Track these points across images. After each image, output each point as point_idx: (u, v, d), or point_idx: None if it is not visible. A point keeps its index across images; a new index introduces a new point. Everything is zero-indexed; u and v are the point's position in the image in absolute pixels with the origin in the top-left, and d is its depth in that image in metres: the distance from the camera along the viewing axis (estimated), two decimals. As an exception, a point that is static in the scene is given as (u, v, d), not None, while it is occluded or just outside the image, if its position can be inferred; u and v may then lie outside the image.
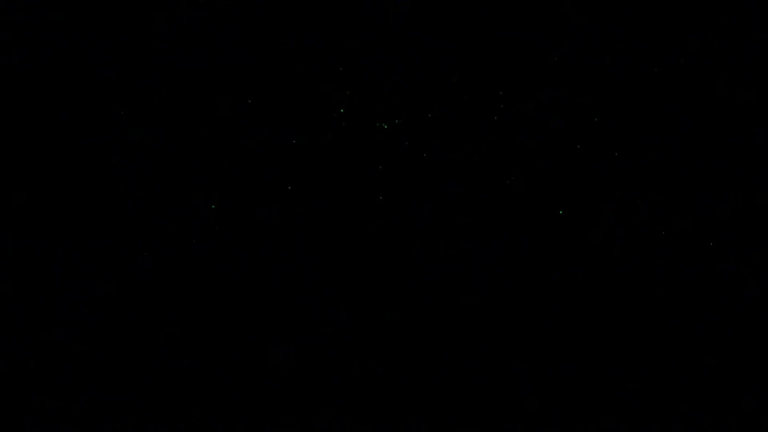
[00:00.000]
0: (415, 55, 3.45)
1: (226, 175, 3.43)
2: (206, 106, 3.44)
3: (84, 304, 3.36)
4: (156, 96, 3.44)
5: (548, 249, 3.40)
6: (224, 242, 3.41)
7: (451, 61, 3.45)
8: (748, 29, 3.40)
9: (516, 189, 3.42)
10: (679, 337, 3.34)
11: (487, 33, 3.44)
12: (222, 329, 3.37)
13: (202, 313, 3.38)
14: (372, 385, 3.32)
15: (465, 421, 3.28)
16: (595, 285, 3.38)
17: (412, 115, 3.44)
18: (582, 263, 3.39)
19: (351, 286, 3.40)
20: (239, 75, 3.45)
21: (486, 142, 3.42)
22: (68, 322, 3.34)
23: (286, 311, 3.39)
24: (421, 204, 3.42)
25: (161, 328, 3.36)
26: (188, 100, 3.44)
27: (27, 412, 3.26)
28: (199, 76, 3.44)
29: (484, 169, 3.43)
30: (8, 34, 3.40)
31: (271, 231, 3.42)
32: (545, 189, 3.42)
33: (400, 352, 3.35)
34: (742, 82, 3.40)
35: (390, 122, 3.43)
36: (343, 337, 3.36)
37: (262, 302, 3.39)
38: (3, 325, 3.33)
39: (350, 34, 3.45)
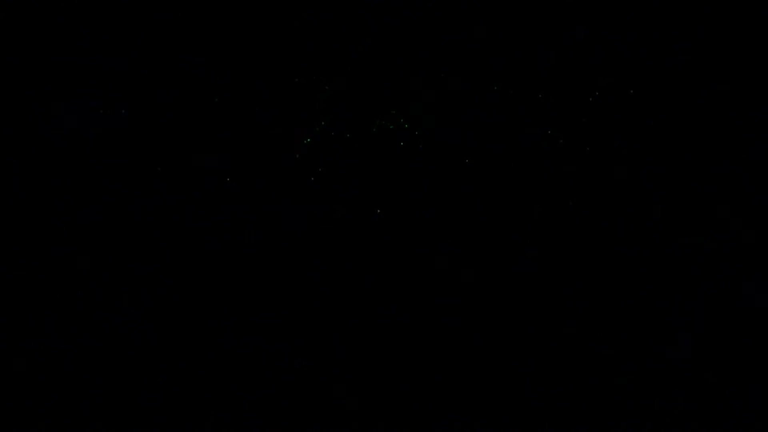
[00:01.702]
0: (418, 55, 3.45)
1: (228, 174, 3.42)
2: (205, 106, 3.44)
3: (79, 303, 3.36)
4: (156, 94, 3.43)
5: (549, 249, 3.41)
6: (225, 243, 3.41)
7: (455, 60, 3.45)
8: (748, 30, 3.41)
9: (519, 189, 3.43)
10: (677, 337, 3.35)
11: (490, 32, 3.45)
12: (220, 331, 3.37)
13: (200, 315, 3.38)
14: (371, 386, 3.32)
15: (465, 422, 3.29)
16: (594, 285, 3.39)
17: (416, 114, 3.44)
18: (582, 263, 3.40)
19: (352, 286, 3.40)
20: (241, 74, 3.45)
21: (490, 141, 3.43)
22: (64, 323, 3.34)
23: (285, 312, 3.39)
24: (422, 203, 3.43)
25: (157, 329, 3.36)
26: (188, 100, 3.43)
27: (27, 412, 3.26)
28: (198, 76, 3.44)
29: (485, 169, 3.43)
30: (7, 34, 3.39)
31: (273, 231, 3.42)
32: (547, 189, 3.43)
33: (399, 353, 3.36)
34: (743, 82, 3.42)
35: (394, 122, 3.43)
36: (343, 338, 3.37)
37: (262, 303, 3.39)
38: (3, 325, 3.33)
39: (352, 31, 3.45)
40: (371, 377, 3.33)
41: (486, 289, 3.40)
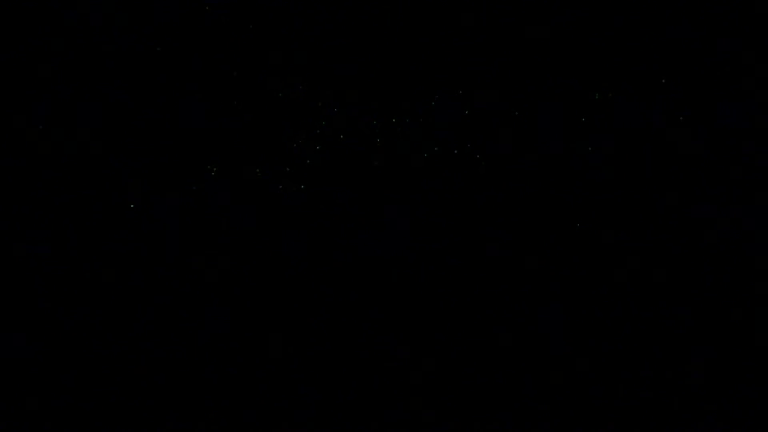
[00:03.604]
0: (413, 55, 3.45)
1: (223, 176, 3.43)
2: (204, 107, 3.44)
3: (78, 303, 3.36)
4: (154, 96, 3.43)
5: (547, 249, 3.41)
6: (221, 245, 3.41)
7: (450, 61, 3.45)
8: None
9: (516, 189, 3.42)
10: (677, 337, 3.35)
11: (487, 33, 3.44)
12: (219, 332, 3.37)
13: (200, 317, 3.38)
14: (370, 385, 3.32)
15: (463, 422, 3.28)
16: (593, 285, 3.39)
17: (407, 114, 3.44)
18: (581, 263, 3.40)
19: (349, 287, 3.40)
20: (236, 74, 3.45)
21: (487, 141, 3.42)
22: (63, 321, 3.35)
23: (284, 312, 3.39)
24: (417, 204, 3.42)
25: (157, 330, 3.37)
26: (184, 101, 3.43)
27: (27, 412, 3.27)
28: (194, 77, 3.44)
29: (483, 169, 3.43)
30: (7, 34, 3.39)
31: (269, 232, 3.42)
32: (546, 189, 3.42)
33: (396, 352, 3.36)
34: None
35: (383, 121, 3.43)
36: (340, 337, 3.36)
37: (261, 304, 3.39)
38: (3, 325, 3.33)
39: (347, 32, 3.45)
40: (369, 378, 3.33)
41: (486, 288, 3.39)
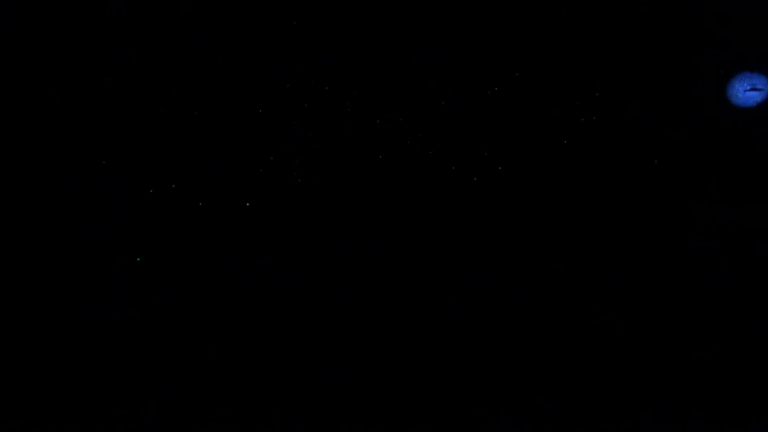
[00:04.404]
0: (416, 55, 3.46)
1: (231, 174, 3.43)
2: (208, 106, 3.45)
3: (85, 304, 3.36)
4: (165, 93, 3.44)
5: (547, 248, 3.41)
6: (225, 243, 3.41)
7: (452, 61, 3.46)
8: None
9: (516, 188, 3.43)
10: (678, 336, 3.35)
11: (487, 33, 3.46)
12: (222, 332, 3.37)
13: (202, 316, 3.38)
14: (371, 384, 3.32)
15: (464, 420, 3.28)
16: (594, 284, 3.39)
17: (412, 113, 3.45)
18: (581, 262, 3.40)
19: (350, 286, 3.40)
20: (243, 74, 3.46)
21: (487, 141, 3.44)
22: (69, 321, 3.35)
23: (286, 312, 3.39)
24: (419, 203, 3.43)
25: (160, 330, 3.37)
26: (187, 101, 3.44)
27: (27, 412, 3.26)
28: (198, 77, 3.45)
29: (483, 168, 3.44)
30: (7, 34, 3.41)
31: (273, 231, 3.43)
32: (545, 188, 3.43)
33: (397, 352, 3.36)
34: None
35: (388, 120, 3.44)
36: (342, 336, 3.37)
37: (264, 303, 3.40)
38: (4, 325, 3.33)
39: (351, 32, 3.46)
40: (370, 377, 3.33)
41: (485, 287, 3.40)
